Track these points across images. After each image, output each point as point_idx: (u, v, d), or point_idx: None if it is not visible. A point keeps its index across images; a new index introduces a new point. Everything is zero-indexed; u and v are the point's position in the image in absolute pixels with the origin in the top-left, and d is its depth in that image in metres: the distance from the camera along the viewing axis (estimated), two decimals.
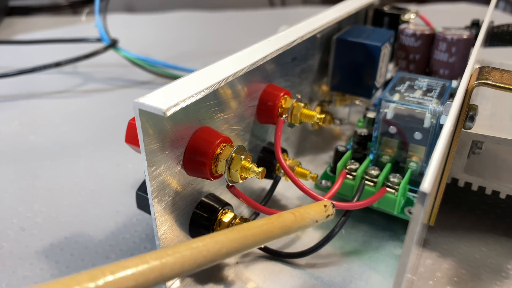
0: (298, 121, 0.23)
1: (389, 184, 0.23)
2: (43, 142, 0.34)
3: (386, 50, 0.30)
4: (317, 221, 0.18)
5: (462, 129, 0.20)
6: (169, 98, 0.15)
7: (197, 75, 0.17)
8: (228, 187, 0.20)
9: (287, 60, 0.25)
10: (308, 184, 0.26)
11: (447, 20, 0.38)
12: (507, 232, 0.24)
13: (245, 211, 0.25)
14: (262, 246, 0.22)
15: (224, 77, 0.17)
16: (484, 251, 0.23)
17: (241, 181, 0.19)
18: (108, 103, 0.42)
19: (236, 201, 0.23)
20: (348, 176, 0.24)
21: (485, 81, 0.19)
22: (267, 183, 0.26)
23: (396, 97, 0.24)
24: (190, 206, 0.20)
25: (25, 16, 0.72)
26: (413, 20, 0.34)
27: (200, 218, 0.20)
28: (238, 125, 0.22)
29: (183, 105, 0.15)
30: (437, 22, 0.33)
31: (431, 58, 0.31)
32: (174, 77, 0.43)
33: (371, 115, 0.28)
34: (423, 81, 0.26)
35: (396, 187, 0.23)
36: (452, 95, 0.24)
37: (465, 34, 0.30)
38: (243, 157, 0.19)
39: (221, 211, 0.20)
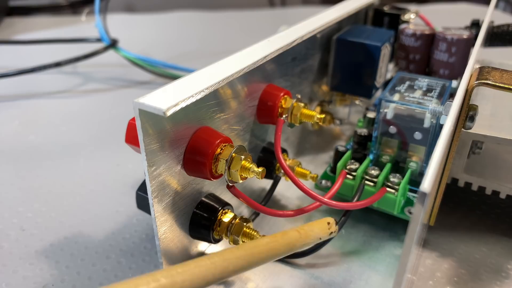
0: (298, 121, 0.23)
1: (389, 184, 0.23)
2: (43, 142, 0.34)
3: (386, 50, 0.30)
4: (320, 238, 0.19)
5: (462, 129, 0.20)
6: (169, 98, 0.15)
7: (197, 75, 0.17)
8: (228, 187, 0.20)
9: (287, 60, 0.25)
10: (308, 184, 0.26)
11: (447, 20, 0.38)
12: (507, 232, 0.24)
13: (245, 211, 0.25)
14: None
15: (224, 77, 0.17)
16: (484, 251, 0.23)
17: (241, 181, 0.19)
18: (108, 103, 0.42)
19: (236, 201, 0.23)
20: (348, 176, 0.24)
21: (485, 81, 0.19)
22: (267, 183, 0.26)
23: (396, 97, 0.24)
24: (190, 206, 0.20)
25: (25, 16, 0.72)
26: (413, 20, 0.34)
27: (200, 218, 0.20)
28: (238, 125, 0.22)
29: (183, 105, 0.15)
30: (437, 22, 0.33)
31: (431, 58, 0.31)
32: (174, 77, 0.43)
33: (371, 115, 0.28)
34: (423, 81, 0.26)
35: (396, 187, 0.23)
36: (452, 95, 0.24)
37: (465, 34, 0.30)
38: (243, 157, 0.19)
39: (221, 211, 0.20)
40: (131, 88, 0.46)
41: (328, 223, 0.20)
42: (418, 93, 0.24)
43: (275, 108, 0.23)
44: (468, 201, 0.27)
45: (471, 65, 0.21)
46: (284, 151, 0.25)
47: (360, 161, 0.25)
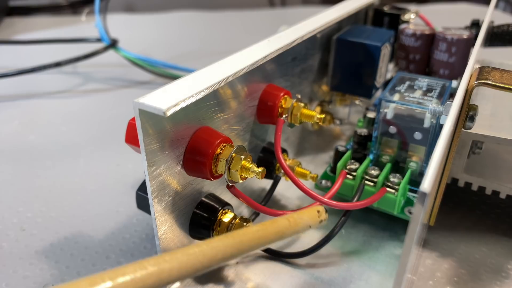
0: (298, 121, 0.23)
1: (389, 184, 0.23)
2: (43, 142, 0.34)
3: (386, 50, 0.30)
4: (310, 227, 0.19)
5: (462, 129, 0.20)
6: (169, 98, 0.15)
7: (197, 75, 0.17)
8: (228, 187, 0.20)
9: (287, 60, 0.25)
10: (308, 184, 0.26)
11: (447, 20, 0.38)
12: (507, 232, 0.24)
13: (245, 211, 0.25)
14: None
15: (224, 77, 0.17)
16: (484, 251, 0.23)
17: (241, 181, 0.19)
18: (108, 103, 0.42)
19: (236, 201, 0.23)
20: (348, 176, 0.24)
21: (485, 81, 0.19)
22: (267, 183, 0.26)
23: (396, 97, 0.24)
24: (190, 206, 0.20)
25: (25, 16, 0.72)
26: (413, 20, 0.34)
27: (200, 218, 0.20)
28: (238, 125, 0.22)
29: (183, 105, 0.15)
30: (437, 22, 0.33)
31: (431, 58, 0.31)
32: (174, 77, 0.43)
33: (371, 115, 0.28)
34: (423, 81, 0.26)
35: (396, 187, 0.23)
36: (452, 95, 0.24)
37: (465, 34, 0.30)
38: (243, 157, 0.19)
39: (221, 211, 0.20)
40: (131, 88, 0.46)
41: (318, 211, 0.19)
42: (418, 93, 0.24)
43: (275, 108, 0.23)
44: (468, 201, 0.27)
45: (471, 65, 0.21)
46: (284, 151, 0.25)
47: (360, 161, 0.25)
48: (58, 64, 0.44)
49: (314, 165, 0.30)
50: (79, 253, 0.23)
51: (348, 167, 0.24)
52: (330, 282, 0.21)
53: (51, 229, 0.25)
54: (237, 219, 0.20)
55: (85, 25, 0.66)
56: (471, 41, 0.30)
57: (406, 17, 0.34)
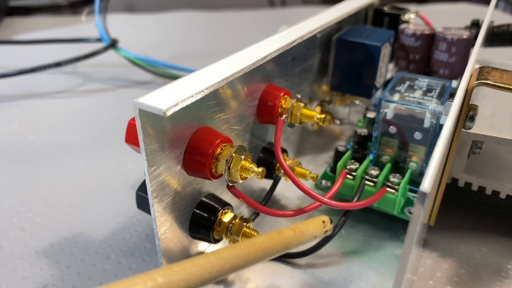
0: (298, 121, 0.23)
1: (389, 184, 0.23)
2: (43, 142, 0.34)
3: (386, 50, 0.30)
4: (315, 237, 0.19)
5: (462, 129, 0.20)
6: (169, 98, 0.15)
7: (197, 75, 0.17)
8: (228, 187, 0.20)
9: (287, 60, 0.25)
10: (308, 184, 0.26)
11: (447, 20, 0.38)
12: (507, 232, 0.24)
13: (245, 211, 0.25)
14: None
15: (224, 77, 0.17)
16: (484, 251, 0.23)
17: (241, 181, 0.19)
18: (108, 103, 0.42)
19: (236, 201, 0.23)
20: (348, 176, 0.24)
21: (485, 81, 0.19)
22: (267, 183, 0.26)
23: (396, 97, 0.24)
24: (190, 206, 0.20)
25: (25, 16, 0.72)
26: (413, 20, 0.34)
27: (200, 218, 0.20)
28: (238, 125, 0.22)
29: (183, 105, 0.15)
30: (437, 22, 0.33)
31: (431, 58, 0.31)
32: (174, 77, 0.43)
33: (371, 115, 0.28)
34: (423, 81, 0.26)
35: (396, 187, 0.23)
36: (452, 95, 0.24)
37: (465, 34, 0.30)
38: (243, 157, 0.19)
39: (221, 211, 0.20)
40: (131, 88, 0.46)
41: (323, 222, 0.20)
42: (418, 93, 0.24)
43: (275, 108, 0.23)
44: (468, 201, 0.27)
45: (471, 65, 0.21)
46: (284, 151, 0.25)
47: (360, 161, 0.25)
48: (58, 64, 0.44)
49: (314, 165, 0.30)
50: (79, 253, 0.23)
51: (348, 167, 0.24)
52: (330, 282, 0.21)
53: (51, 229, 0.25)
54: (237, 219, 0.20)
55: (85, 25, 0.66)
56: (471, 41, 0.30)
57: (406, 17, 0.34)
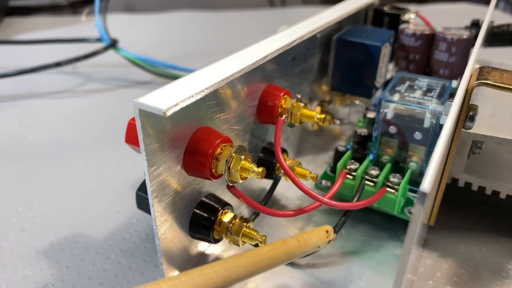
0: (298, 121, 0.23)
1: (389, 184, 0.23)
2: (43, 142, 0.34)
3: (386, 50, 0.30)
4: (319, 246, 0.20)
5: (462, 129, 0.20)
6: (169, 98, 0.15)
7: (197, 75, 0.17)
8: (228, 187, 0.20)
9: (287, 60, 0.25)
10: (308, 184, 0.26)
11: (447, 20, 0.38)
12: (507, 232, 0.24)
13: (245, 211, 0.25)
14: None
15: (224, 77, 0.17)
16: (484, 251, 0.23)
17: (241, 181, 0.19)
18: (108, 103, 0.42)
19: (236, 201, 0.23)
20: (348, 176, 0.24)
21: (485, 81, 0.19)
22: (267, 183, 0.26)
23: (396, 97, 0.24)
24: (190, 206, 0.20)
25: (25, 16, 0.72)
26: (413, 20, 0.34)
27: (200, 218, 0.20)
28: (238, 125, 0.22)
29: (183, 105, 0.15)
30: (437, 22, 0.33)
31: (431, 58, 0.31)
32: (174, 77, 0.43)
33: (371, 115, 0.28)
34: (423, 81, 0.26)
35: (396, 187, 0.23)
36: (452, 95, 0.24)
37: (465, 34, 0.30)
38: (243, 157, 0.19)
39: (221, 211, 0.20)
40: (131, 88, 0.46)
41: (327, 231, 0.20)
42: (418, 93, 0.24)
43: (275, 108, 0.23)
44: (468, 201, 0.27)
45: (471, 65, 0.21)
46: (284, 151, 0.25)
47: (360, 161, 0.25)
48: (58, 64, 0.44)
49: (314, 165, 0.30)
50: (79, 253, 0.23)
51: (348, 167, 0.24)
52: (330, 282, 0.21)
53: (51, 229, 0.25)
54: (237, 219, 0.20)
55: (85, 25, 0.66)
56: (471, 41, 0.30)
57: (406, 17, 0.34)
